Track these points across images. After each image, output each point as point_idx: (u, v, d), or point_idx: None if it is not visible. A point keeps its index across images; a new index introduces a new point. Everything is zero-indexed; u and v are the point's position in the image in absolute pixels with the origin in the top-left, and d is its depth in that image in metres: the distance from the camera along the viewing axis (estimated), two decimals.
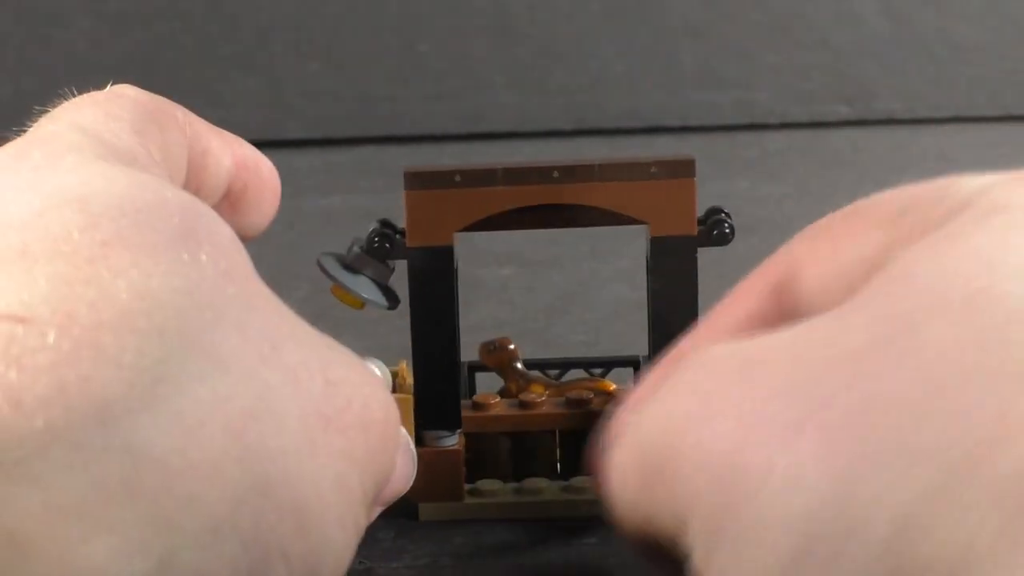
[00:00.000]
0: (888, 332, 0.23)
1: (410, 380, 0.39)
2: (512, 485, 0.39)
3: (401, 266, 0.38)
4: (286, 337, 0.26)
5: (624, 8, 1.04)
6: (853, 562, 0.21)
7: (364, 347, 0.31)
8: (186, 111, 0.32)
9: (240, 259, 0.27)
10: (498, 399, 0.40)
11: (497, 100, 1.04)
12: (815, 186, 0.86)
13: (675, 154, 0.38)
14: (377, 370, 0.38)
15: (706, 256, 0.38)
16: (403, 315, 0.39)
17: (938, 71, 1.04)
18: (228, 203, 0.34)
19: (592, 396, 0.39)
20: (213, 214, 0.27)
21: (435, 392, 0.38)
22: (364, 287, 0.38)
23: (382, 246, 0.38)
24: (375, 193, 0.86)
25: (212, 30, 1.04)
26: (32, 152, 0.27)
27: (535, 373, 0.41)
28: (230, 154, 0.33)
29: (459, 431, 0.39)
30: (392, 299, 0.39)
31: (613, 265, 0.67)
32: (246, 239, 0.33)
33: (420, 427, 0.38)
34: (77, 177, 0.26)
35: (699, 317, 0.37)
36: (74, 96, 0.31)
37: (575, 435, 0.39)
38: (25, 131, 0.29)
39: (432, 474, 0.38)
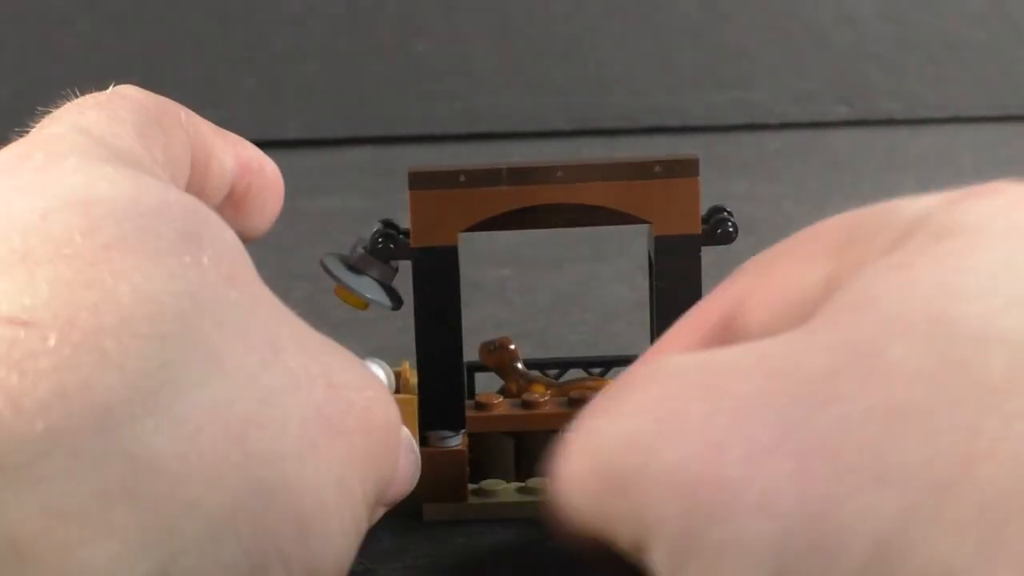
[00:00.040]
0: (853, 355, 0.23)
1: (413, 380, 0.39)
2: (515, 485, 0.39)
3: (403, 266, 0.38)
4: (288, 341, 0.26)
5: (624, 8, 1.04)
6: None
7: (365, 348, 0.31)
8: (189, 112, 0.32)
9: (242, 262, 0.27)
10: (501, 399, 0.40)
11: (497, 100, 1.04)
12: (814, 186, 0.86)
13: (679, 153, 0.38)
14: (380, 371, 0.38)
15: (706, 256, 0.38)
16: (404, 315, 0.39)
17: (938, 71, 1.04)
18: (231, 205, 0.34)
19: (595, 396, 0.39)
20: (216, 217, 0.27)
21: (439, 392, 0.38)
22: (368, 288, 0.38)
23: (386, 246, 0.38)
24: (374, 193, 0.86)
25: (212, 30, 1.04)
26: (34, 154, 0.27)
27: (535, 373, 0.41)
28: (233, 155, 0.33)
29: (463, 431, 0.39)
30: (396, 300, 0.39)
31: (613, 265, 0.67)
32: (249, 241, 0.33)
33: (424, 427, 0.38)
34: (80, 180, 0.26)
35: None
36: (76, 97, 0.31)
37: None
38: (27, 132, 0.29)
39: (436, 474, 0.38)
